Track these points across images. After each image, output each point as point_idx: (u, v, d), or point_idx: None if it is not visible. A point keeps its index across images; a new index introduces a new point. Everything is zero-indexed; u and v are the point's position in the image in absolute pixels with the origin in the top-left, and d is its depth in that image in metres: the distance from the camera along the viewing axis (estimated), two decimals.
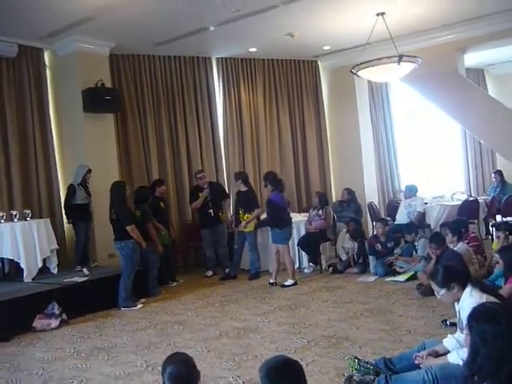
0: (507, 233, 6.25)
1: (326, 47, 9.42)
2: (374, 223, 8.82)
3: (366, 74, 7.50)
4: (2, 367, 4.51)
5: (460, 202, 9.17)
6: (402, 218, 8.30)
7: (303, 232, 7.91)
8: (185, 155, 8.89)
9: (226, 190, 8.78)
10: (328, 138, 10.40)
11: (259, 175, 9.52)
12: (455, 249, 5.89)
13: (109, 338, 5.17)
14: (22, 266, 6.46)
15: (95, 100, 7.56)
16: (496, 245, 6.39)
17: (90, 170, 7.32)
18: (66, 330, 5.53)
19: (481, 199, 9.46)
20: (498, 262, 5.19)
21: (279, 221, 6.98)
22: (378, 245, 7.31)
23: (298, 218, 8.28)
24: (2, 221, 6.55)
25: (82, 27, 7.03)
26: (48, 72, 7.88)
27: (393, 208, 9.25)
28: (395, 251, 7.21)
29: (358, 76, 7.75)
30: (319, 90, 10.35)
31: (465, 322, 2.45)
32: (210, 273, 8.03)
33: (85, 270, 6.87)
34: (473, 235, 6.85)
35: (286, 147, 9.97)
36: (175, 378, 2.34)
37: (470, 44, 8.95)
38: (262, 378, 2.18)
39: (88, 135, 7.76)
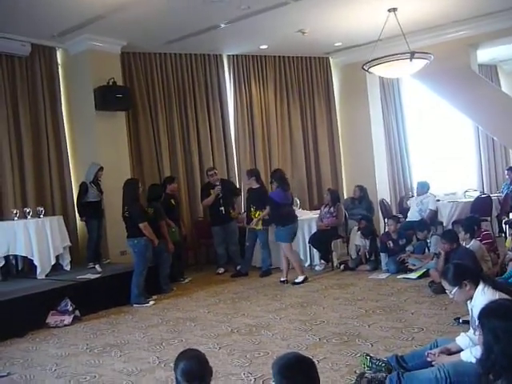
0: None
1: (338, 44, 9.38)
2: (386, 220, 8.78)
3: (378, 70, 7.47)
4: (16, 363, 4.56)
5: (472, 199, 9.10)
6: (413, 215, 8.24)
7: (314, 229, 7.90)
8: (196, 152, 8.91)
9: (237, 188, 8.79)
10: (339, 134, 10.37)
11: (270, 172, 9.50)
12: (468, 246, 5.85)
13: (121, 334, 5.21)
14: (36, 262, 6.52)
15: (107, 98, 7.60)
16: (509, 242, 6.34)
17: (101, 168, 7.38)
18: (78, 327, 5.58)
19: (494, 196, 9.40)
20: (511, 260, 5.15)
21: (279, 218, 6.97)
22: (390, 242, 7.28)
23: (309, 216, 8.29)
24: (16, 218, 6.61)
25: (94, 26, 7.07)
26: (60, 70, 7.94)
27: (405, 205, 9.21)
28: (407, 248, 7.18)
29: (369, 73, 7.71)
30: (330, 86, 10.31)
31: (478, 320, 2.43)
32: (221, 270, 8.05)
33: (97, 267, 6.92)
34: (485, 233, 6.79)
35: (297, 144, 9.95)
36: (188, 374, 2.35)
37: (483, 40, 8.87)
38: (275, 374, 2.19)
39: (100, 133, 7.81)
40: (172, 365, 2.47)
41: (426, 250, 7.07)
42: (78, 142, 8.04)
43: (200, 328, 5.20)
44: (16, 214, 6.64)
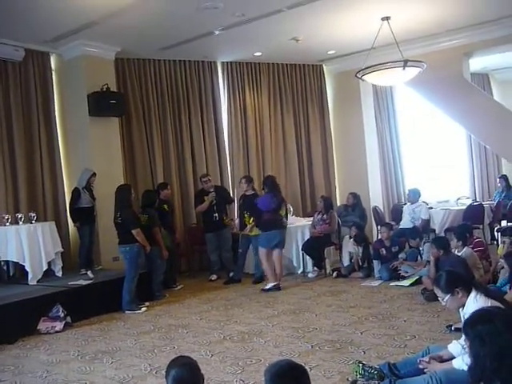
0: None
1: (331, 51, 9.43)
2: (379, 227, 8.80)
3: (371, 78, 7.52)
4: (6, 370, 4.51)
5: (465, 207, 9.14)
6: (405, 223, 8.27)
7: (307, 236, 7.91)
8: (189, 159, 8.91)
9: (231, 195, 8.79)
10: (333, 141, 10.40)
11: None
12: (461, 254, 5.87)
13: (113, 341, 5.18)
14: (27, 268, 6.48)
15: (100, 104, 7.59)
16: (501, 250, 6.37)
17: (94, 174, 7.36)
18: (70, 333, 5.54)
19: (486, 204, 9.45)
20: (503, 267, 5.18)
21: (261, 224, 7.03)
22: (383, 249, 7.29)
23: (302, 223, 8.30)
24: (8, 223, 6.57)
25: (88, 31, 7.07)
26: (54, 76, 7.93)
27: (397, 212, 9.24)
28: (400, 256, 7.19)
29: (362, 80, 7.75)
30: (324, 94, 10.35)
31: (463, 332, 2.44)
32: (214, 277, 8.03)
33: (89, 273, 6.89)
34: (478, 240, 6.82)
35: (291, 151, 9.97)
36: (179, 381, 2.33)
37: (475, 49, 8.95)
38: (267, 382, 2.18)
39: (93, 139, 7.79)
40: (164, 372, 2.46)
41: (419, 257, 7.09)
42: (71, 147, 8.02)
43: (192, 335, 5.18)
44: (8, 219, 6.60)
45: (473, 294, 3.25)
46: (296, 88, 10.10)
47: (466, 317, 3.24)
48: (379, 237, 7.98)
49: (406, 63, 7.00)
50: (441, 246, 5.83)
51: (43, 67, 7.76)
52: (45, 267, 6.65)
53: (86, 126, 7.77)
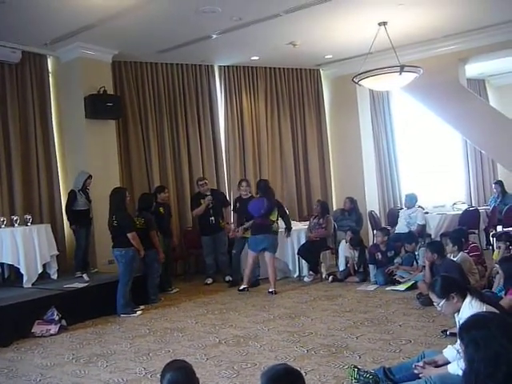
0: (508, 243, 6.24)
1: (328, 56, 9.46)
2: (375, 232, 8.81)
3: (368, 83, 7.54)
4: (0, 373, 4.49)
5: (460, 212, 9.17)
6: (401, 227, 8.29)
7: (303, 240, 7.91)
8: (186, 162, 8.91)
9: (227, 198, 8.78)
10: (329, 146, 10.42)
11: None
12: (456, 258, 5.88)
13: (108, 344, 5.16)
14: (22, 271, 6.45)
15: (97, 106, 7.59)
16: (497, 255, 6.38)
17: (90, 176, 7.36)
18: (65, 336, 5.52)
19: (481, 209, 9.47)
20: (498, 273, 5.18)
21: (252, 227, 7.15)
22: (379, 254, 7.30)
23: (298, 227, 8.29)
24: (3, 226, 6.56)
25: (86, 34, 7.08)
26: (51, 78, 7.92)
27: (393, 217, 9.25)
28: (395, 260, 7.20)
29: (359, 85, 7.78)
30: (321, 98, 10.38)
31: (458, 336, 2.44)
32: (209, 280, 8.01)
33: (85, 276, 6.86)
34: (473, 245, 6.84)
35: (287, 155, 9.98)
36: None
37: (472, 55, 9.00)
38: None
39: (90, 141, 7.78)
40: (159, 376, 2.45)
41: (415, 262, 7.09)
42: (67, 150, 8.01)
43: (188, 339, 5.17)
44: (3, 221, 6.58)
45: (468, 299, 3.26)
46: (293, 92, 10.12)
47: (461, 322, 3.25)
48: (375, 241, 7.98)
49: (402, 68, 7.03)
50: (435, 251, 5.84)
51: (40, 69, 7.75)
52: (40, 270, 6.63)
53: (83, 129, 7.76)
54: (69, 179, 7.76)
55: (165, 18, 6.70)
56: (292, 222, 8.63)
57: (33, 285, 6.47)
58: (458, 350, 3.29)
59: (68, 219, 7.43)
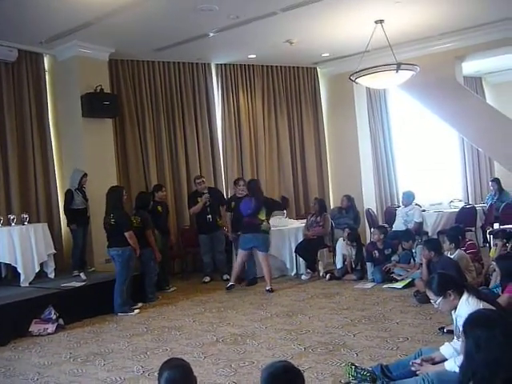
0: (505, 241, 6.26)
1: (325, 54, 9.46)
2: (372, 230, 8.82)
3: (365, 81, 7.54)
4: None
5: (457, 210, 9.19)
6: (398, 225, 8.30)
7: (301, 238, 7.91)
8: (183, 161, 8.90)
9: (225, 196, 8.78)
10: (326, 144, 10.43)
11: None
12: (453, 256, 5.90)
13: (105, 343, 5.16)
14: (19, 270, 6.44)
15: (94, 105, 7.58)
16: (493, 252, 6.40)
17: (85, 174, 7.35)
18: (62, 335, 5.51)
19: (478, 207, 9.49)
20: (495, 270, 5.20)
21: (240, 225, 7.23)
22: (376, 252, 7.31)
23: (295, 225, 8.29)
24: (0, 225, 6.54)
25: (82, 32, 7.06)
26: (47, 77, 7.90)
27: (390, 214, 9.27)
28: (392, 258, 7.21)
29: (356, 83, 7.78)
30: (318, 96, 10.38)
31: (461, 329, 2.45)
32: (207, 278, 8.02)
33: (82, 275, 6.85)
34: (470, 242, 6.86)
35: (285, 153, 9.98)
36: (172, 383, 2.33)
37: (468, 52, 9.01)
38: (262, 381, 2.19)
39: (86, 140, 7.76)
40: (156, 374, 2.45)
41: (412, 260, 7.10)
42: (64, 148, 8.00)
43: (185, 337, 5.17)
44: (0, 220, 6.56)
45: (465, 296, 3.27)
46: (290, 90, 10.12)
47: (458, 319, 3.27)
48: (372, 239, 7.99)
49: (399, 66, 7.03)
50: (432, 248, 5.86)
51: (37, 68, 7.73)
52: (37, 269, 6.62)
53: (80, 128, 7.74)
54: (65, 178, 7.74)
55: (162, 15, 6.69)
56: (289, 219, 8.68)
57: (30, 284, 6.46)
58: (454, 348, 3.31)
59: (66, 219, 7.41)
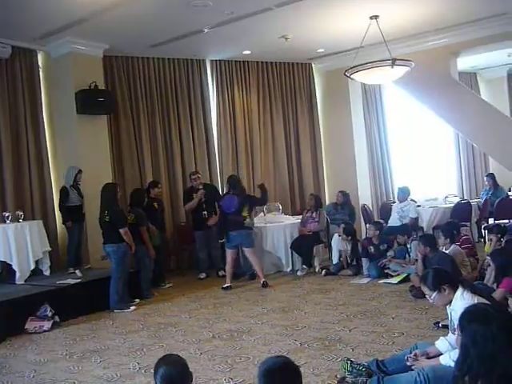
0: (499, 236, 6.29)
1: (320, 50, 9.45)
2: (367, 225, 8.84)
3: (360, 76, 7.53)
4: None
5: (453, 205, 9.21)
6: (394, 221, 8.32)
7: (296, 234, 7.92)
8: (178, 157, 8.89)
9: (220, 193, 8.77)
10: (321, 139, 10.43)
11: (253, 177, 9.56)
12: (448, 251, 5.92)
13: (101, 340, 5.15)
14: (14, 267, 6.43)
15: (88, 101, 7.54)
16: (488, 247, 6.43)
17: (80, 171, 7.32)
18: (58, 332, 5.51)
19: (473, 202, 9.52)
20: (489, 265, 5.22)
21: (224, 224, 7.16)
22: (371, 247, 7.33)
23: (291, 221, 8.30)
24: None
25: (76, 29, 7.02)
26: (41, 73, 7.85)
27: (386, 210, 9.28)
28: (388, 254, 7.23)
29: (351, 79, 7.78)
30: (313, 92, 10.37)
31: (456, 323, 2.46)
32: (203, 275, 8.02)
33: (78, 272, 6.85)
34: (465, 237, 6.88)
35: (280, 149, 9.98)
36: (167, 379, 2.33)
37: (463, 48, 9.02)
38: (259, 375, 2.20)
39: (81, 137, 7.74)
40: (152, 371, 2.45)
41: (407, 255, 7.12)
42: (58, 145, 7.97)
43: (181, 333, 5.18)
44: None
45: (459, 291, 3.28)
46: (285, 86, 10.11)
47: (453, 313, 3.28)
48: (367, 235, 8.01)
49: (394, 62, 7.03)
50: (428, 244, 5.88)
51: (30, 65, 7.68)
52: (32, 266, 6.62)
53: (74, 124, 7.71)
54: (60, 175, 7.71)
55: (156, 11, 6.66)
56: (285, 216, 8.69)
57: (25, 281, 6.46)
58: (449, 342, 3.32)
59: (62, 216, 7.39)
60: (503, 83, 12.29)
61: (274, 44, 8.55)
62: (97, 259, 7.46)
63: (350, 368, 3.52)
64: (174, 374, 2.35)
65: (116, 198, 6.46)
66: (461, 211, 8.90)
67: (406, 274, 6.62)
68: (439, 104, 9.22)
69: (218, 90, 9.37)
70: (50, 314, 5.65)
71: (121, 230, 6.25)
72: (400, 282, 6.56)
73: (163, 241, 7.64)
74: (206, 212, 7.89)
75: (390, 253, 7.23)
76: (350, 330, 4.84)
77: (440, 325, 4.54)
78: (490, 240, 6.48)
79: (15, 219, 6.66)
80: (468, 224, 8.89)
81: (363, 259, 7.42)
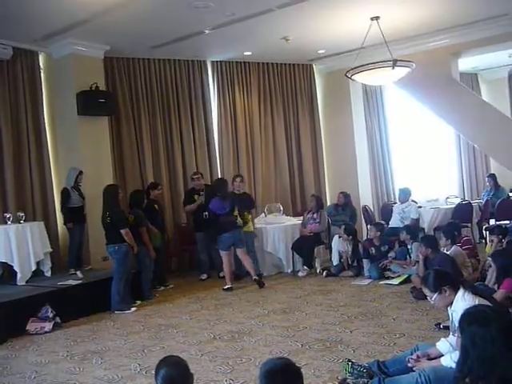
0: (501, 236, 6.28)
1: (321, 51, 9.45)
2: (368, 227, 8.83)
3: (361, 77, 7.54)
4: None
5: (454, 206, 9.20)
6: (395, 222, 8.32)
7: (297, 235, 7.92)
8: (179, 159, 8.89)
9: None
10: (322, 140, 10.42)
11: (254, 178, 9.56)
12: (449, 252, 5.91)
13: (102, 341, 5.16)
14: (16, 268, 6.43)
15: (89, 103, 7.55)
16: (489, 248, 6.42)
17: (81, 172, 7.32)
18: (59, 334, 5.51)
19: (474, 203, 9.52)
20: (491, 266, 5.21)
21: (217, 227, 7.15)
22: (372, 248, 7.32)
23: (292, 222, 8.30)
24: None
25: (77, 30, 7.03)
26: (42, 74, 7.86)
27: (387, 211, 9.27)
28: (389, 255, 7.22)
29: (352, 80, 7.78)
30: (314, 93, 10.37)
31: (458, 325, 2.46)
32: (204, 276, 8.02)
33: (78, 273, 6.85)
34: (466, 238, 6.88)
35: (281, 150, 9.98)
36: (168, 381, 2.33)
37: (464, 49, 9.02)
38: (260, 377, 2.20)
39: (82, 138, 7.75)
40: (153, 372, 2.45)
41: (408, 256, 7.11)
42: (59, 146, 7.97)
43: (182, 335, 5.17)
44: None
45: (460, 292, 3.28)
46: (286, 87, 10.11)
47: (454, 314, 3.28)
48: (368, 236, 8.00)
49: (395, 63, 7.03)
50: (429, 245, 5.87)
51: (32, 66, 7.69)
52: (33, 267, 6.61)
53: (75, 125, 7.72)
54: (61, 176, 7.72)
55: (157, 13, 6.67)
56: (286, 217, 8.69)
57: (26, 282, 6.46)
58: (450, 343, 3.32)
59: (64, 218, 7.39)
60: (504, 84, 12.28)
61: (275, 45, 8.55)
62: (98, 260, 7.47)
63: (351, 369, 3.51)
64: (175, 376, 2.35)
65: (117, 199, 6.47)
66: (462, 212, 8.89)
67: (407, 275, 6.61)
68: (440, 105, 9.22)
69: (218, 91, 9.38)
70: (51, 315, 5.65)
71: (122, 231, 6.26)
72: (401, 284, 6.56)
73: (163, 242, 7.64)
74: (206, 213, 7.88)
75: (391, 254, 7.23)
76: (351, 331, 4.84)
77: (441, 326, 4.54)
78: (491, 241, 6.47)
79: (16, 220, 6.67)
80: (469, 225, 8.89)
81: (364, 260, 7.41)
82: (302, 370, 2.28)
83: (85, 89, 7.56)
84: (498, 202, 9.16)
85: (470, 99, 9.23)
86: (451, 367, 3.01)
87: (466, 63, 10.27)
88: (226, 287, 7.09)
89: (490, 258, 5.23)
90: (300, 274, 7.76)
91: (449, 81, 9.07)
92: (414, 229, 7.94)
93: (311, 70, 10.37)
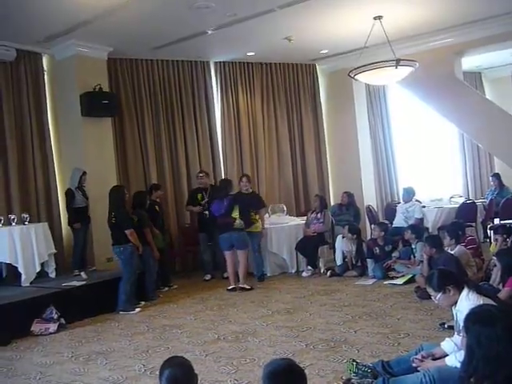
0: (505, 236, 6.26)
1: (324, 51, 9.44)
2: (372, 226, 8.82)
3: (364, 77, 7.53)
4: None
5: (458, 205, 9.18)
6: (399, 221, 8.30)
7: (301, 235, 7.91)
8: (183, 159, 8.89)
9: None
10: (326, 140, 10.41)
11: (257, 178, 9.55)
12: (454, 251, 5.90)
13: (107, 342, 5.16)
14: (20, 270, 6.44)
15: (93, 104, 7.57)
16: (494, 247, 6.40)
17: (85, 173, 7.35)
18: (64, 335, 5.52)
19: (478, 202, 9.49)
20: (495, 265, 5.20)
21: (217, 228, 7.20)
22: (376, 248, 7.31)
23: (296, 222, 8.30)
24: (0, 225, 6.54)
25: (80, 31, 7.05)
26: (46, 76, 7.89)
27: (391, 211, 9.26)
28: (393, 254, 7.21)
29: (355, 79, 7.77)
30: (317, 93, 10.36)
31: (462, 324, 2.45)
32: (208, 276, 8.02)
33: (83, 274, 6.86)
34: (470, 238, 6.85)
35: (284, 151, 9.97)
36: (173, 381, 2.33)
37: (468, 47, 8.98)
38: (263, 377, 2.20)
39: (86, 139, 7.76)
40: (158, 372, 2.45)
41: (412, 256, 7.09)
42: (63, 148, 7.99)
43: (186, 335, 5.18)
44: (0, 220, 6.56)
45: (465, 291, 3.27)
46: (289, 87, 10.10)
47: (458, 314, 3.27)
48: (372, 236, 7.98)
49: (398, 62, 7.02)
50: (434, 245, 5.86)
51: (35, 67, 7.72)
52: (38, 268, 6.62)
53: (79, 127, 7.74)
54: (65, 178, 7.73)
55: (160, 14, 6.68)
56: (290, 217, 8.69)
57: (31, 284, 6.47)
58: (455, 343, 3.31)
59: (69, 218, 7.40)
60: (508, 83, 12.22)
61: (278, 45, 8.55)
62: (102, 261, 7.49)
63: (356, 369, 3.51)
64: (180, 376, 2.35)
65: (123, 200, 6.48)
66: (466, 211, 8.87)
67: (411, 275, 6.60)
68: (444, 104, 9.19)
69: (222, 92, 9.38)
70: (55, 316, 5.66)
71: (126, 231, 6.27)
72: (405, 283, 6.54)
73: (166, 243, 7.64)
74: (207, 212, 7.88)
75: (395, 254, 7.22)
76: (355, 331, 4.83)
77: (446, 326, 4.53)
78: (496, 240, 6.45)
79: (21, 222, 6.68)
80: (473, 224, 8.86)
81: (368, 260, 7.40)
82: (306, 370, 2.28)
83: (88, 90, 7.58)
84: (503, 201, 9.12)
85: (473, 98, 9.21)
86: (456, 367, 3.00)
87: (469, 62, 10.24)
88: (229, 287, 7.09)
89: (494, 258, 5.22)
90: (304, 274, 7.76)
91: (452, 80, 9.04)
92: (418, 228, 7.94)
93: (314, 70, 10.36)
